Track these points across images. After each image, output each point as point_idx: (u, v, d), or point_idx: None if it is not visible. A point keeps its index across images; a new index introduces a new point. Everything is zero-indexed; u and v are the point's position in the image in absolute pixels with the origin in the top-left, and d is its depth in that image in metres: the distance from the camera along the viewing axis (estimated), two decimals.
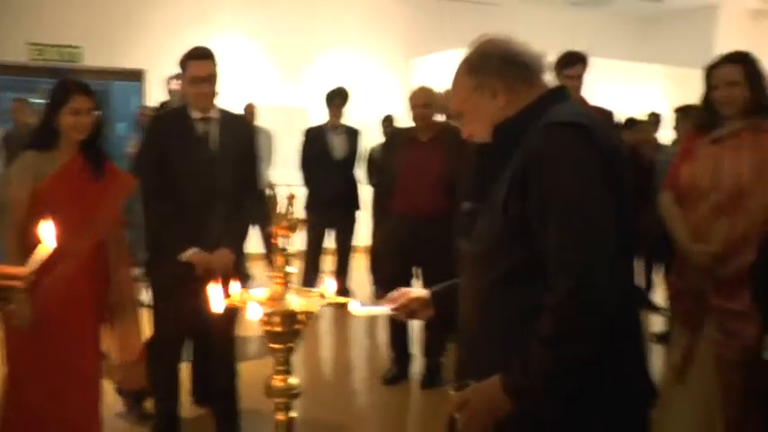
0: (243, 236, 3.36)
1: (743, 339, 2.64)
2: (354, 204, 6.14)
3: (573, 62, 4.02)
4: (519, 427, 1.48)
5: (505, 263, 1.50)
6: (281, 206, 1.94)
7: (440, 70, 9.34)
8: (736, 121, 2.82)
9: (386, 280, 4.34)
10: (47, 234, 1.58)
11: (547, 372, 1.40)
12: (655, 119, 6.70)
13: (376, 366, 4.76)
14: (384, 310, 1.89)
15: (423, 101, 4.15)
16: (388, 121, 7.39)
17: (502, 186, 1.50)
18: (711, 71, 2.89)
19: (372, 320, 5.77)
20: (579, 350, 1.40)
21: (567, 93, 1.64)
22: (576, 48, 4.17)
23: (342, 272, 5.98)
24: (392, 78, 9.87)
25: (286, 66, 9.19)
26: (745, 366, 2.63)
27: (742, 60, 2.83)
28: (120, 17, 8.18)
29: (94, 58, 8.10)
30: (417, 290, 1.90)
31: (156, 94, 8.06)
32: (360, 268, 6.59)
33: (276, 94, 9.02)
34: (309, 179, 5.87)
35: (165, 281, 3.23)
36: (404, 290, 1.89)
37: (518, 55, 1.61)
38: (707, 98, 2.91)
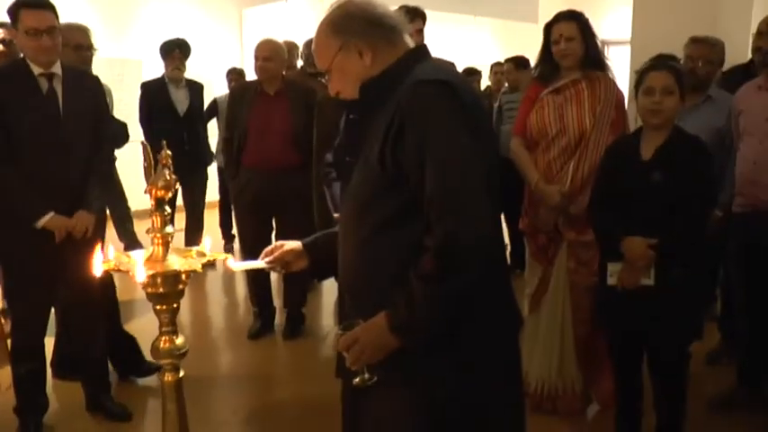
0: (102, 195, 3.20)
1: (592, 268, 2.96)
2: (202, 160, 5.99)
3: (412, 17, 4.08)
4: (402, 360, 1.58)
5: (383, 211, 1.60)
6: (155, 165, 1.92)
7: (271, 21, 9.26)
8: (574, 72, 3.11)
9: (247, 234, 4.35)
10: None
11: (429, 306, 1.51)
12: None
13: (238, 322, 4.80)
14: (260, 263, 1.93)
15: (265, 53, 4.11)
16: (234, 73, 7.20)
17: (375, 141, 1.59)
18: (550, 27, 3.15)
19: (230, 276, 5.75)
20: (458, 284, 1.51)
21: (427, 51, 1.75)
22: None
23: (195, 228, 5.80)
24: (225, 29, 9.60)
25: (114, 15, 8.61)
26: (593, 290, 2.96)
27: (577, 18, 3.11)
28: None
29: None
30: (290, 242, 1.95)
31: None
32: (211, 223, 6.48)
33: (105, 45, 8.41)
34: (152, 135, 5.57)
35: (18, 249, 3.00)
36: (277, 243, 1.95)
37: (381, 16, 1.68)
38: (546, 51, 3.18)
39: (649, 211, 2.57)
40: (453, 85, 1.55)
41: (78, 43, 3.57)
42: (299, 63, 5.28)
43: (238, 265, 1.99)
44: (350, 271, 1.73)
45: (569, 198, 3.04)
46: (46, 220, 2.93)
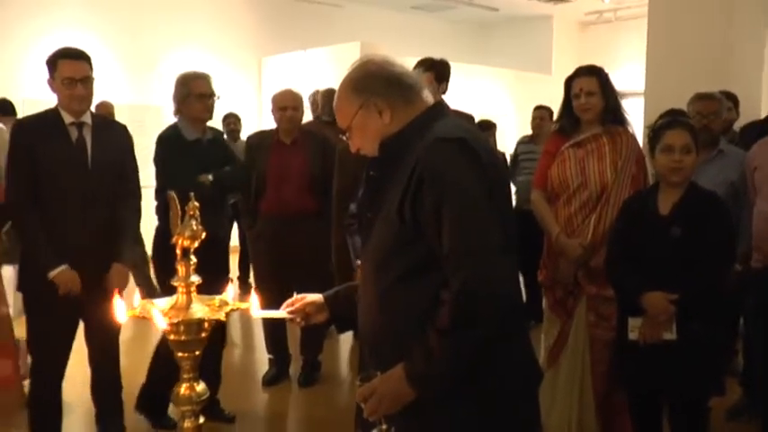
0: (135, 246, 3.30)
1: (613, 321, 2.94)
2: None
3: (424, 69, 4.12)
4: (420, 411, 1.60)
5: (402, 264, 1.64)
6: (181, 215, 1.96)
7: (289, 70, 9.46)
8: (595, 126, 3.16)
9: (264, 280, 4.36)
10: None
11: (445, 359, 1.54)
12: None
13: (253, 368, 4.79)
14: (282, 313, 1.96)
15: (294, 103, 4.21)
16: (232, 117, 7.32)
17: (394, 196, 1.63)
18: (571, 82, 3.21)
19: (247, 323, 5.76)
20: (473, 339, 1.54)
21: (445, 107, 1.81)
22: (418, 50, 4.33)
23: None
24: (244, 77, 9.80)
25: (136, 63, 8.85)
26: (613, 345, 2.93)
27: (597, 73, 3.17)
28: None
29: None
30: (311, 295, 1.98)
31: None
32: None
33: (126, 92, 8.67)
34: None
35: (43, 293, 3.03)
36: (299, 296, 1.98)
37: (400, 75, 1.74)
38: (567, 105, 3.23)
39: (667, 265, 2.58)
40: (469, 143, 1.60)
41: (202, 92, 3.61)
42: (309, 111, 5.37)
43: (260, 313, 2.00)
44: (369, 322, 1.76)
45: (590, 251, 3.05)
46: (56, 272, 2.98)
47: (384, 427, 1.62)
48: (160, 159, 3.65)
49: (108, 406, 3.38)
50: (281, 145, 4.24)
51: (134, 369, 3.68)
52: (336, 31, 9.76)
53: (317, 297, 1.97)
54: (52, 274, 2.98)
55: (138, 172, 3.34)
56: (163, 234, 3.39)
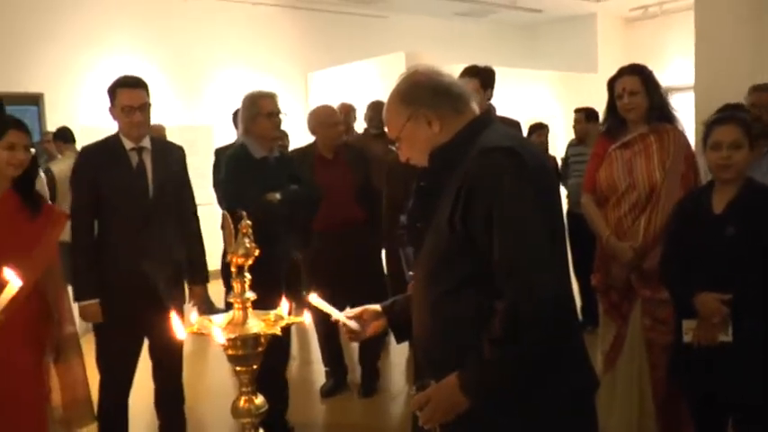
0: (204, 265, 3.41)
1: (670, 325, 2.87)
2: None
3: (469, 77, 4.10)
4: (474, 420, 1.61)
5: (453, 274, 1.65)
6: (235, 233, 2.02)
7: (335, 84, 9.56)
8: (641, 125, 3.12)
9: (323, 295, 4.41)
10: (11, 276, 1.62)
11: (498, 369, 1.56)
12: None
13: (311, 380, 4.84)
14: (341, 315, 1.97)
15: (339, 119, 4.31)
16: (280, 134, 7.43)
17: (444, 207, 1.65)
18: (614, 82, 3.17)
19: (302, 335, 5.83)
20: (525, 348, 1.55)
21: (492, 116, 1.82)
22: (463, 56, 4.32)
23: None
24: (291, 93, 9.94)
25: (186, 84, 9.07)
26: (670, 348, 2.86)
27: (640, 71, 3.12)
28: (10, 39, 7.80)
29: None
30: (371, 305, 2.01)
31: (54, 117, 7.80)
32: None
33: (179, 113, 8.90)
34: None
35: (108, 311, 3.16)
36: (360, 308, 2.01)
37: (448, 85, 1.76)
38: (611, 106, 3.20)
39: (722, 265, 2.52)
40: (517, 152, 1.61)
41: (270, 110, 3.68)
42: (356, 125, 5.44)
43: (320, 302, 1.99)
44: (423, 332, 1.78)
45: (642, 254, 3.01)
46: (84, 304, 3.12)
47: None
48: (228, 178, 3.69)
49: (171, 419, 3.48)
50: (324, 160, 4.29)
51: (194, 382, 3.76)
52: (381, 43, 9.82)
53: (374, 306, 2.01)
54: (81, 303, 3.13)
55: (192, 193, 3.45)
56: None
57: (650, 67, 3.21)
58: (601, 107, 3.41)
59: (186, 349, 3.60)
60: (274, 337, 1.90)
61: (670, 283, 2.75)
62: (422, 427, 1.67)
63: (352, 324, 1.96)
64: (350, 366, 4.62)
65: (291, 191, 3.67)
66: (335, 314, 1.98)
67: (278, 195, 3.57)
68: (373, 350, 4.54)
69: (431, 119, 1.73)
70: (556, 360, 1.61)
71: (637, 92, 3.07)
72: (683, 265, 2.64)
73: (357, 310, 1.99)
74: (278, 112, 3.70)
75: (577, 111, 6.12)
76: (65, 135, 6.56)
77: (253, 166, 3.61)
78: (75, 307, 3.68)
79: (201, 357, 5.04)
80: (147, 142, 3.22)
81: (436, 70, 1.79)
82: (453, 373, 1.60)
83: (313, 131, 4.36)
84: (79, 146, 6.12)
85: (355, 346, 4.61)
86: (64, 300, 2.98)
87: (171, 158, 3.32)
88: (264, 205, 3.49)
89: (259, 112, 3.62)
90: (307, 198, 3.76)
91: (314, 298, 1.96)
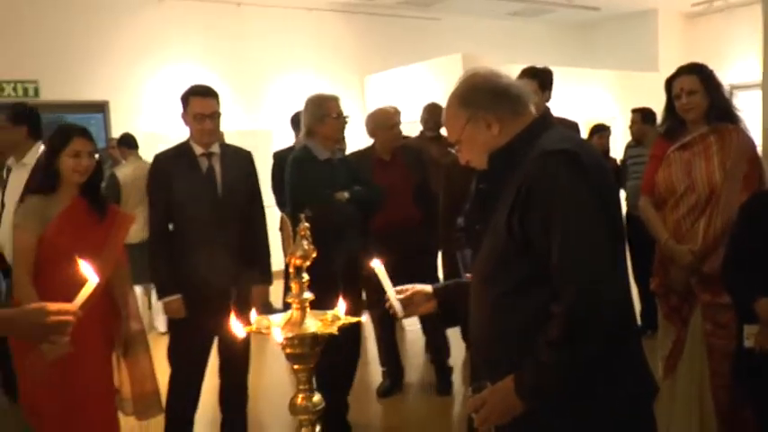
0: (269, 266, 3.52)
1: (732, 330, 2.81)
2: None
3: (529, 78, 3.95)
4: (530, 423, 1.62)
5: (511, 277, 1.66)
6: (294, 235, 2.07)
7: (391, 86, 9.60)
8: (701, 125, 3.04)
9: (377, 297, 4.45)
10: (88, 271, 1.70)
11: (555, 372, 1.56)
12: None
13: (368, 380, 4.87)
14: (392, 292, 1.98)
15: (399, 120, 4.33)
16: None
17: (503, 209, 1.66)
18: (671, 82, 3.11)
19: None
20: (584, 352, 1.55)
21: (551, 118, 1.83)
22: (520, 57, 4.30)
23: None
24: (348, 96, 10.02)
25: (245, 90, 9.26)
26: (732, 354, 2.78)
27: (698, 71, 3.05)
28: (76, 49, 8.13)
29: (53, 91, 8.04)
30: (421, 285, 2.04)
31: (118, 123, 8.08)
32: None
33: (239, 118, 9.10)
34: (283, 202, 5.90)
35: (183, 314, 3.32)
36: (411, 285, 2.03)
37: (507, 87, 1.77)
38: (670, 107, 3.14)
39: None
40: (578, 155, 1.61)
41: (338, 113, 3.83)
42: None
43: (381, 271, 1.99)
44: (480, 333, 1.79)
45: (701, 257, 2.93)
46: (167, 300, 3.28)
47: None
48: (294, 180, 3.74)
49: (235, 415, 3.60)
50: (382, 162, 4.33)
51: (253, 380, 3.84)
52: (437, 45, 9.83)
53: (426, 287, 2.03)
54: (164, 300, 3.29)
55: (260, 196, 3.58)
56: None
57: (714, 65, 3.13)
58: (661, 107, 3.35)
59: None
60: (346, 337, 1.93)
61: (731, 287, 2.68)
62: (477, 429, 1.69)
63: (398, 307, 1.97)
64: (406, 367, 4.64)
65: (357, 191, 3.74)
66: (389, 290, 1.98)
67: (346, 194, 3.65)
68: (442, 343, 4.58)
69: (490, 121, 1.74)
70: (613, 364, 1.61)
71: (695, 91, 3.00)
72: (745, 269, 2.58)
73: (408, 289, 2.00)
74: (344, 114, 3.78)
75: (634, 111, 6.00)
76: (128, 141, 6.78)
77: (317, 167, 3.68)
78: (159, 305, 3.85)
79: (260, 356, 5.13)
80: (216, 148, 3.37)
81: (495, 72, 1.80)
82: (509, 375, 1.61)
83: (372, 134, 4.42)
84: (141, 151, 6.36)
85: (415, 345, 4.63)
86: (130, 298, 3.12)
87: (240, 163, 3.46)
88: (334, 204, 3.60)
89: (327, 114, 3.70)
90: (372, 198, 3.81)
91: (377, 264, 1.96)
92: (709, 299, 2.95)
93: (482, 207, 1.84)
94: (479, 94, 1.75)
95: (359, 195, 3.72)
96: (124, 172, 6.10)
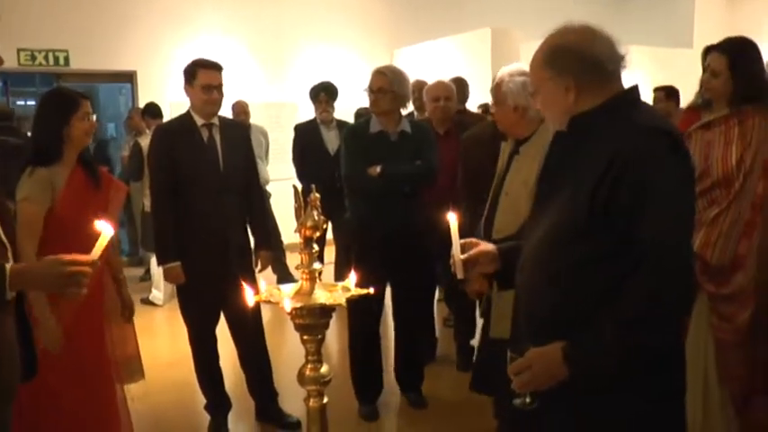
0: (270, 232, 3.66)
1: (735, 323, 2.75)
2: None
3: None
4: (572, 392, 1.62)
5: (584, 249, 1.62)
6: (304, 206, 2.07)
7: (420, 60, 9.50)
8: (724, 107, 2.93)
9: None
10: (104, 225, 1.72)
11: (617, 350, 1.54)
12: None
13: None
14: (458, 252, 1.92)
15: (446, 94, 4.29)
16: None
17: (585, 178, 1.61)
18: (706, 55, 3.01)
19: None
20: (654, 340, 1.55)
21: (638, 94, 1.75)
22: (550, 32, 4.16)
23: (344, 263, 5.92)
24: None
25: (271, 62, 9.26)
26: (740, 347, 2.75)
27: (729, 51, 2.90)
28: (105, 20, 8.18)
29: (83, 60, 8.12)
30: (486, 244, 2.00)
31: (146, 93, 8.14)
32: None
33: (264, 90, 9.11)
34: (303, 174, 5.91)
35: (189, 275, 3.44)
36: (473, 240, 1.99)
37: (598, 56, 1.68)
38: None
39: None
40: (676, 138, 1.60)
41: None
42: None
43: (454, 225, 1.92)
44: (537, 298, 1.74)
45: (705, 245, 2.82)
46: (167, 266, 3.40)
47: (528, 399, 1.67)
48: (342, 151, 3.90)
49: (258, 374, 3.73)
50: (437, 136, 4.21)
51: (272, 351, 3.87)
52: (466, 19, 9.70)
53: (491, 247, 1.99)
54: (165, 266, 3.41)
55: (256, 168, 3.75)
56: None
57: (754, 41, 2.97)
58: (692, 86, 3.25)
59: (266, 318, 3.78)
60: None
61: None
62: (515, 392, 1.68)
63: (459, 266, 1.91)
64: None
65: (394, 166, 3.66)
66: (456, 248, 1.92)
67: (378, 169, 3.63)
68: (467, 330, 4.58)
69: (569, 87, 1.69)
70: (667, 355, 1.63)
71: (719, 73, 2.88)
72: None
73: (474, 252, 1.94)
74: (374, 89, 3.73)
75: (657, 90, 5.89)
76: (153, 111, 6.82)
77: (365, 141, 3.73)
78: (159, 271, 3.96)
79: (279, 327, 5.16)
80: (215, 119, 3.47)
81: (590, 34, 1.71)
82: (557, 343, 1.59)
83: (424, 106, 4.44)
84: None
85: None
86: (120, 265, 3.22)
87: (237, 134, 3.60)
88: (364, 179, 3.65)
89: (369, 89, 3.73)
90: (412, 174, 3.72)
91: (452, 218, 1.91)
92: (713, 290, 2.85)
93: (554, 168, 1.80)
94: (567, 56, 1.69)
95: (394, 171, 3.65)
96: (147, 142, 6.11)
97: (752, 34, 3.26)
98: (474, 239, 1.99)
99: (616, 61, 1.71)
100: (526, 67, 2.47)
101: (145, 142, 6.17)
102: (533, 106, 2.27)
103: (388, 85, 3.66)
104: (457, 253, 1.90)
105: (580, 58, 1.67)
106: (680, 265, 1.53)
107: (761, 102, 2.88)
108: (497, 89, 2.87)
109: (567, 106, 1.70)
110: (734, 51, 2.91)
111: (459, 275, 1.93)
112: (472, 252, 1.93)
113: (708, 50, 3.03)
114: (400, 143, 3.73)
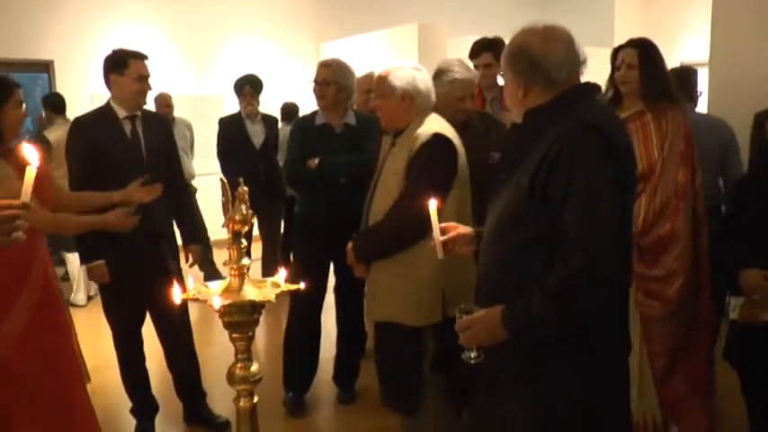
0: (199, 227, 3.57)
1: (663, 300, 2.93)
2: (278, 192, 6.01)
3: (478, 52, 3.96)
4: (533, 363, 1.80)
5: (523, 233, 1.78)
6: (231, 200, 2.02)
7: (346, 55, 9.42)
8: (636, 102, 3.08)
9: None
10: (31, 155, 1.59)
11: (544, 320, 1.70)
12: None
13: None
14: (438, 235, 2.08)
15: (366, 87, 4.23)
16: (290, 106, 7.38)
17: (529, 166, 1.75)
18: (616, 53, 3.16)
19: None
20: (578, 311, 1.69)
21: (591, 90, 1.90)
22: (476, 28, 4.18)
23: (272, 258, 5.87)
24: (302, 64, 9.88)
25: (197, 55, 9.04)
26: (664, 321, 2.94)
27: (640, 45, 3.09)
28: (22, 7, 7.80)
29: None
30: (464, 227, 2.16)
31: (65, 84, 7.81)
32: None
33: (189, 83, 8.89)
34: (228, 169, 5.74)
35: (112, 272, 3.32)
36: (452, 224, 2.17)
37: (547, 63, 1.82)
38: (612, 78, 3.18)
39: None
40: (611, 136, 1.71)
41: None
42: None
43: (434, 213, 2.07)
44: (486, 277, 1.93)
45: (641, 233, 2.97)
46: (91, 265, 3.28)
47: (474, 354, 1.85)
48: (288, 143, 3.95)
49: (186, 375, 3.65)
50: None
51: (200, 349, 3.79)
52: (393, 14, 9.71)
53: (468, 229, 2.15)
54: (89, 265, 3.29)
55: (179, 161, 3.68)
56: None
57: (669, 42, 3.19)
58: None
59: (193, 317, 3.69)
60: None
61: (716, 257, 2.78)
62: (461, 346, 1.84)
63: (439, 247, 2.09)
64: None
65: (333, 158, 3.66)
66: (435, 230, 2.08)
67: (316, 161, 3.64)
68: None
69: (520, 85, 1.85)
70: (606, 321, 1.78)
71: (634, 66, 3.04)
72: (734, 241, 2.64)
73: (452, 234, 2.12)
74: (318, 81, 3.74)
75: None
76: (54, 103, 6.42)
77: (310, 132, 3.75)
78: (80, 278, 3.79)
79: (206, 326, 5.06)
80: (138, 111, 3.37)
81: (549, 37, 1.85)
82: (499, 306, 1.75)
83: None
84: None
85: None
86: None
87: (159, 127, 3.51)
88: (301, 171, 3.69)
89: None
90: (349, 165, 3.68)
91: (432, 204, 2.05)
92: (643, 269, 3.00)
93: (510, 159, 1.92)
94: (521, 59, 1.85)
95: (332, 163, 3.65)
96: (56, 134, 5.80)
97: (669, 34, 3.40)
98: (453, 223, 2.18)
99: (571, 64, 1.84)
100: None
101: (53, 135, 5.84)
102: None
103: (332, 76, 3.67)
104: (437, 235, 2.07)
105: (530, 63, 1.83)
106: (598, 251, 1.64)
107: (670, 97, 3.07)
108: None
109: (519, 101, 1.88)
110: (642, 47, 3.09)
111: (439, 256, 2.10)
112: (451, 234, 2.12)
113: (617, 50, 3.18)
114: (343, 135, 3.74)
